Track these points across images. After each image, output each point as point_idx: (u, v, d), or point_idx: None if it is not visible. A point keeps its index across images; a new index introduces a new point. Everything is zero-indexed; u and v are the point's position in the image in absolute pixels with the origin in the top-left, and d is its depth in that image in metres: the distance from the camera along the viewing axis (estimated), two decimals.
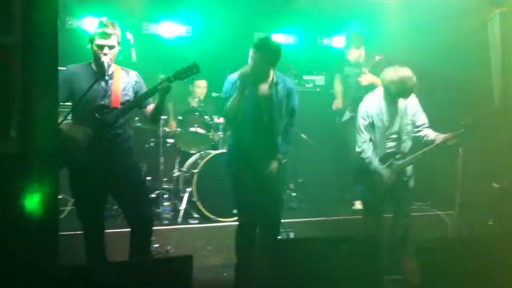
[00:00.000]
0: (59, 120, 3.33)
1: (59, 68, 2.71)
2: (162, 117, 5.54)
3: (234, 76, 3.91)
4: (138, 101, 3.72)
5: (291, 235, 5.03)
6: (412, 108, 4.40)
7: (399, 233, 4.45)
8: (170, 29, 6.46)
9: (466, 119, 4.17)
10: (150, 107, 3.83)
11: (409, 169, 4.45)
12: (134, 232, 3.81)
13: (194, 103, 6.21)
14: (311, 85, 6.77)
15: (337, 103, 6.21)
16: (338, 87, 6.26)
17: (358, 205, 6.00)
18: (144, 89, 3.82)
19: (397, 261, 4.47)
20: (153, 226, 3.94)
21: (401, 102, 4.38)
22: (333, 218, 5.47)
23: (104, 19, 3.68)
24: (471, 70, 5.54)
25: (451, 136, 4.20)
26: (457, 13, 5.46)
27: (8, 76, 2.23)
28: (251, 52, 3.85)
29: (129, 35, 5.61)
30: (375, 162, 4.34)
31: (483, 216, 5.11)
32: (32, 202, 2.30)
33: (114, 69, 3.72)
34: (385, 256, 4.27)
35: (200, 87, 6.19)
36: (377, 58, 5.69)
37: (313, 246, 3.09)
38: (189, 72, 3.68)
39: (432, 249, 3.23)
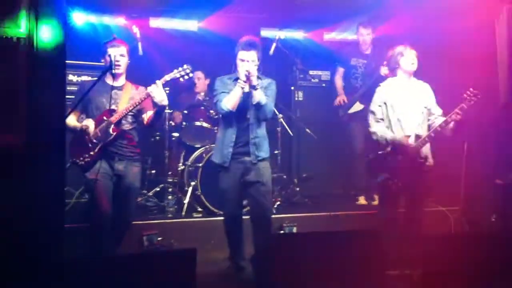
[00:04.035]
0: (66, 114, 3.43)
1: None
2: (167, 111, 5.60)
3: (225, 77, 4.30)
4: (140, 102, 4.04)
5: (294, 229, 5.05)
6: (427, 95, 4.41)
7: (410, 226, 4.33)
8: (176, 24, 6.47)
9: None
10: (148, 113, 4.15)
11: (425, 152, 4.30)
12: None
13: (199, 96, 6.24)
14: (317, 80, 6.77)
15: (341, 99, 6.16)
16: (339, 81, 6.25)
17: (362, 200, 6.02)
18: (150, 102, 4.13)
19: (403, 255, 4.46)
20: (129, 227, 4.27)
21: (417, 86, 4.41)
22: (336, 213, 5.47)
23: (114, 34, 4.23)
24: (477, 67, 5.53)
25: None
26: (464, 10, 5.43)
27: (15, 71, 2.25)
28: (244, 55, 4.13)
29: (136, 30, 5.65)
30: (390, 134, 4.29)
31: (487, 212, 5.11)
32: (39, 194, 2.33)
33: (124, 82, 4.15)
34: (392, 250, 4.30)
35: (200, 78, 6.21)
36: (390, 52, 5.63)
37: (315, 240, 3.11)
38: (184, 74, 4.05)
39: (436, 245, 3.24)
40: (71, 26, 5.76)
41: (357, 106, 5.97)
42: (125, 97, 4.08)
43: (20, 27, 2.24)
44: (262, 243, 4.11)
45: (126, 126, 4.09)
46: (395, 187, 4.27)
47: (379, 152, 4.37)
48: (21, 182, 2.30)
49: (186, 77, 4.06)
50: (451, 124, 4.17)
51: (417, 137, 4.25)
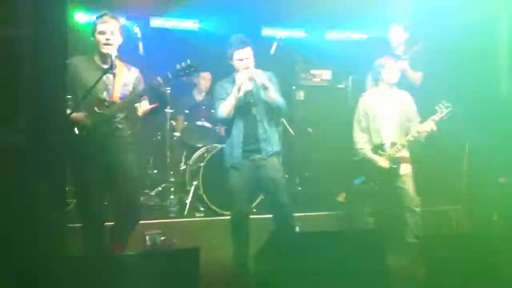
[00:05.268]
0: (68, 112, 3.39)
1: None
2: (169, 110, 5.59)
3: (223, 80, 4.21)
4: (137, 98, 3.76)
5: (296, 229, 5.04)
6: (406, 104, 4.62)
7: (405, 227, 4.49)
8: (177, 23, 6.48)
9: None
10: (145, 104, 3.86)
11: (403, 157, 4.54)
12: (118, 225, 3.87)
13: (200, 96, 6.25)
14: (318, 79, 6.77)
15: None
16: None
17: (341, 198, 6.06)
18: (143, 86, 3.84)
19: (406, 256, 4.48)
20: (138, 220, 4.05)
21: (397, 97, 4.64)
22: (339, 212, 5.47)
23: (105, 11, 3.76)
24: (478, 62, 5.52)
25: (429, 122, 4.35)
26: (467, 4, 5.42)
27: (17, 69, 2.25)
28: (240, 54, 4.06)
29: (136, 29, 5.64)
30: (369, 153, 4.59)
31: (489, 211, 5.11)
32: (40, 194, 2.33)
33: (116, 64, 3.70)
34: (395, 251, 4.31)
35: (205, 79, 6.23)
36: (415, 48, 5.50)
37: (318, 240, 3.11)
38: (187, 70, 3.75)
39: (437, 244, 3.24)
40: (73, 26, 5.77)
41: None
42: (118, 82, 3.70)
43: (23, 24, 2.24)
44: (284, 240, 4.02)
45: (118, 116, 3.75)
46: (371, 191, 4.58)
47: (356, 158, 4.71)
48: (22, 182, 2.30)
49: (187, 71, 3.76)
50: (424, 134, 4.40)
51: (393, 144, 4.52)
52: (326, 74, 6.80)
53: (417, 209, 4.49)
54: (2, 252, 2.25)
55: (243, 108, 4.11)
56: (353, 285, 3.01)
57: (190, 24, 6.56)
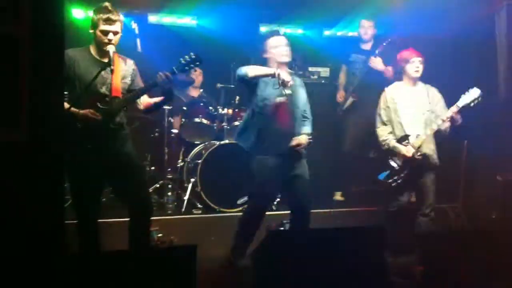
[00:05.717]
0: (66, 108, 3.34)
1: None
2: (167, 107, 5.58)
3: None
4: (141, 92, 3.68)
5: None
6: (433, 99, 4.49)
7: (422, 224, 4.42)
8: (175, 19, 6.47)
9: None
10: (146, 98, 3.80)
11: (427, 149, 4.43)
12: (134, 217, 3.75)
13: (197, 93, 6.25)
14: (316, 76, 6.75)
15: (340, 96, 6.20)
16: (342, 79, 6.25)
17: (338, 196, 6.09)
18: (139, 77, 3.78)
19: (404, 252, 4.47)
20: (153, 211, 3.91)
21: (422, 91, 4.52)
22: (335, 210, 5.48)
23: (108, 4, 3.55)
24: (476, 62, 5.53)
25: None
26: (465, 3, 5.43)
27: (16, 66, 2.24)
28: (277, 40, 4.00)
29: (134, 25, 5.63)
30: (393, 142, 4.46)
31: (487, 209, 5.11)
32: (39, 191, 2.32)
33: (113, 57, 3.57)
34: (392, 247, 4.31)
35: (195, 73, 6.23)
36: (385, 43, 5.61)
37: (315, 237, 3.10)
38: (192, 64, 3.68)
39: (435, 242, 3.24)
40: (71, 22, 5.75)
41: (350, 102, 5.99)
42: (117, 77, 3.58)
43: (21, 22, 2.23)
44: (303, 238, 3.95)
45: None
46: (395, 185, 4.42)
47: (374, 154, 4.68)
48: (21, 179, 2.30)
49: (192, 65, 3.68)
50: (447, 124, 4.30)
51: (418, 137, 4.37)
52: (324, 72, 6.80)
53: (432, 214, 4.41)
54: (1, 248, 2.25)
55: (280, 106, 4.00)
56: (350, 282, 3.01)
57: (188, 21, 6.54)
